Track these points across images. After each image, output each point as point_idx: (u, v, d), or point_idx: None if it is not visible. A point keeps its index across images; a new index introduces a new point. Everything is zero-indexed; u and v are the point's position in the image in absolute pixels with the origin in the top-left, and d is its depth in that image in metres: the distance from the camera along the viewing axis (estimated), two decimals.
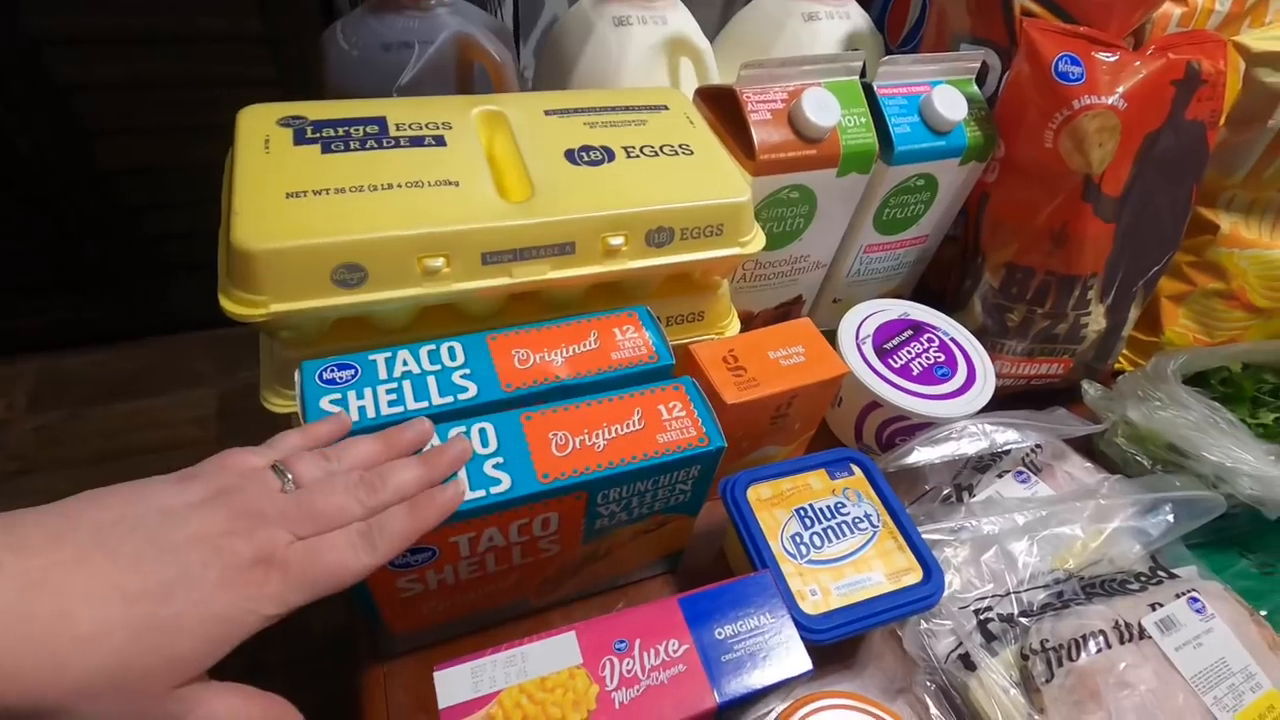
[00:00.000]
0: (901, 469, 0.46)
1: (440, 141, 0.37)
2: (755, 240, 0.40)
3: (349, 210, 0.33)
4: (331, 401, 0.32)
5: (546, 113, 0.41)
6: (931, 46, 0.55)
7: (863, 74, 0.46)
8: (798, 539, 0.39)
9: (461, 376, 0.34)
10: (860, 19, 0.55)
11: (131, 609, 0.22)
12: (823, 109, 0.43)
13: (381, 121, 0.38)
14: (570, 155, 0.38)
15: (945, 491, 0.48)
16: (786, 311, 0.55)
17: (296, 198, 0.33)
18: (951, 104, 0.46)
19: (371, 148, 0.36)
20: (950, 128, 0.47)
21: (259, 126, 0.36)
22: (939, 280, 0.59)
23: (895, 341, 0.50)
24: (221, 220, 0.35)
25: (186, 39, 1.10)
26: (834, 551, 0.39)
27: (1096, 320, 0.52)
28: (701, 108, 0.46)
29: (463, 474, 0.30)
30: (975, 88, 0.49)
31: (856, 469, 0.43)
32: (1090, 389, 0.54)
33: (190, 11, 1.10)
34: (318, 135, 0.36)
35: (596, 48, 0.48)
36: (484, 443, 0.31)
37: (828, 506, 0.41)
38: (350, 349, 0.36)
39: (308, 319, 0.33)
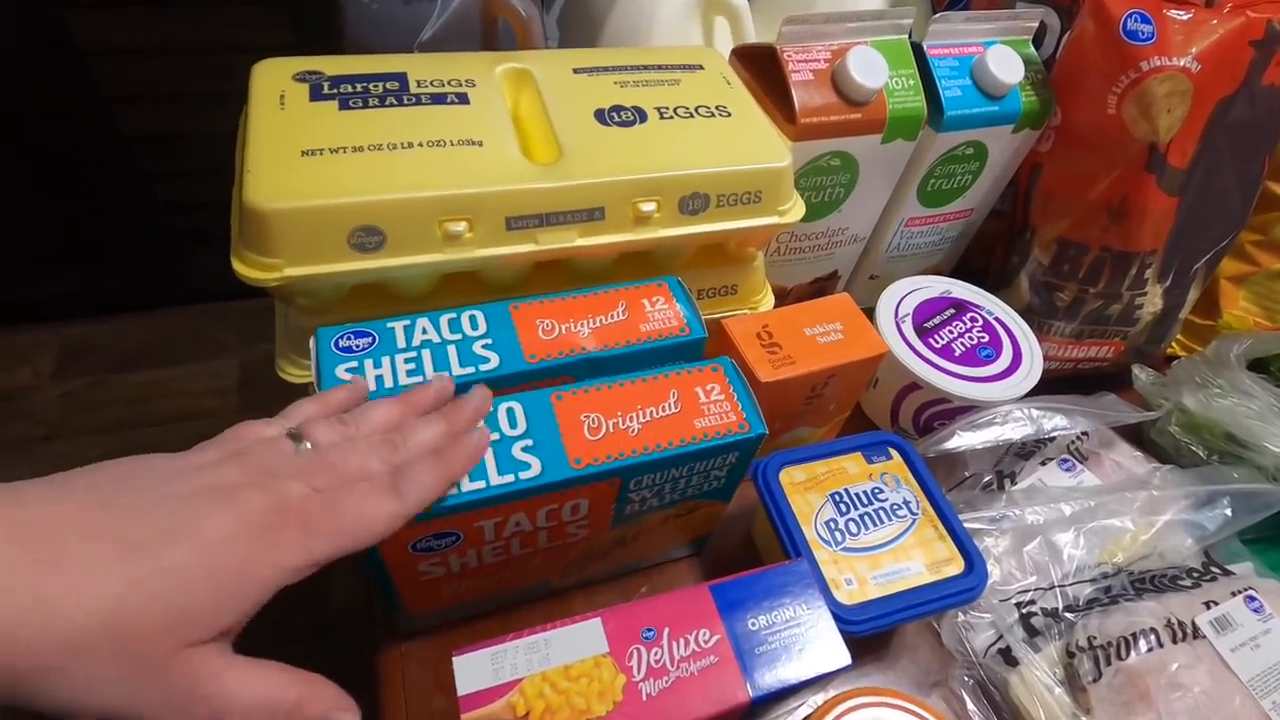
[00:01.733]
0: (941, 454, 0.43)
1: (463, 99, 0.35)
2: (794, 209, 0.38)
3: (367, 170, 0.31)
4: (347, 370, 0.30)
5: (575, 71, 0.39)
6: (984, 4, 0.51)
7: (909, 32, 0.43)
8: (832, 525, 0.37)
9: (483, 346, 0.32)
10: None
11: (129, 558, 0.20)
12: (869, 69, 0.40)
13: (402, 78, 0.36)
14: (600, 115, 0.36)
15: (986, 479, 0.46)
16: (821, 287, 0.52)
17: (312, 156, 0.31)
18: (1007, 65, 0.43)
19: (391, 105, 0.34)
20: (1005, 91, 0.44)
21: (274, 82, 0.34)
22: (982, 256, 0.57)
23: (936, 320, 0.48)
24: (235, 179, 0.33)
25: (205, 2, 1.08)
26: (871, 539, 0.37)
27: (1152, 301, 0.49)
28: (739, 69, 0.43)
29: (484, 425, 0.29)
30: (1032, 49, 0.46)
31: (895, 453, 0.41)
32: (1141, 374, 0.51)
33: None
34: (335, 91, 0.34)
35: (626, 5, 0.46)
36: (512, 423, 0.29)
37: (864, 492, 0.39)
38: (368, 317, 0.34)
39: (323, 284, 0.32)
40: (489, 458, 0.28)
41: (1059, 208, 0.47)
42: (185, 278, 1.39)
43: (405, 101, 0.34)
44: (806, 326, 0.40)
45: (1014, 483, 0.46)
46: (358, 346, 0.31)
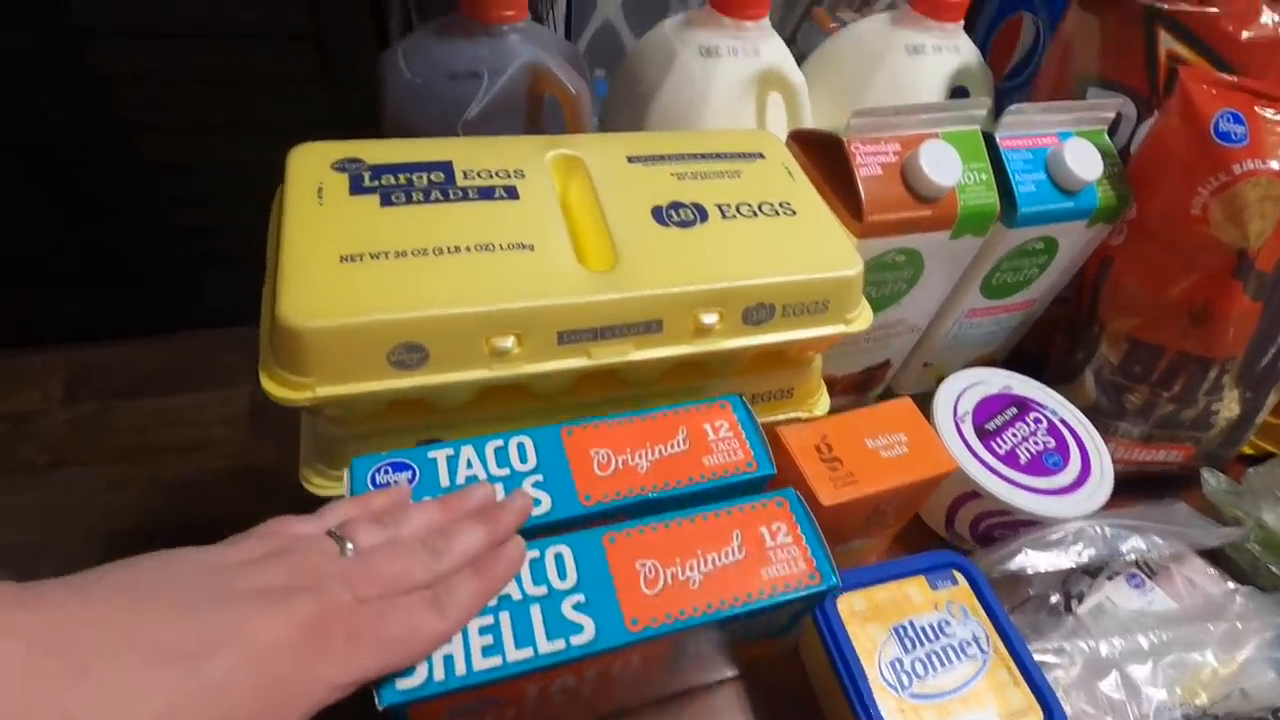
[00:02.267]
0: (1006, 575, 0.40)
1: (512, 193, 0.33)
2: (862, 316, 0.35)
3: (411, 279, 0.28)
4: None
5: (629, 159, 0.36)
6: (1050, 86, 0.49)
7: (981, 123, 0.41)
8: (898, 666, 0.34)
9: (534, 485, 0.29)
10: (970, 53, 0.49)
11: (166, 670, 0.18)
12: (943, 166, 0.37)
13: (447, 167, 0.33)
14: (658, 214, 0.34)
15: (1053, 599, 0.42)
16: (872, 375, 0.50)
17: (351, 262, 0.28)
18: (1085, 161, 0.40)
19: (437, 200, 0.31)
20: (1081, 187, 0.41)
21: (312, 170, 0.32)
22: (1038, 342, 0.54)
23: (998, 421, 0.45)
24: (266, 280, 0.31)
25: (227, 33, 1.07)
26: (940, 684, 0.34)
27: (1229, 407, 0.46)
28: (797, 154, 0.41)
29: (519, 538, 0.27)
30: (1108, 140, 0.43)
31: (960, 577, 0.38)
32: (1212, 479, 0.48)
33: (233, 7, 1.07)
34: (377, 183, 0.32)
35: (679, 80, 0.43)
36: (561, 573, 0.26)
37: (930, 625, 0.36)
38: (403, 428, 0.32)
39: (358, 402, 0.29)
40: (537, 619, 0.25)
41: (1131, 305, 0.44)
42: (198, 302, 1.36)
43: (451, 196, 0.32)
44: (868, 437, 0.37)
45: (1080, 602, 0.42)
46: (397, 484, 0.28)
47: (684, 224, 0.33)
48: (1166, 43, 0.42)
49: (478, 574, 0.25)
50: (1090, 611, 0.42)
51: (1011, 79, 0.55)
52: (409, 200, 0.31)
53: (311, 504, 0.27)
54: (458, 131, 0.39)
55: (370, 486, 0.29)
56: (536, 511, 0.29)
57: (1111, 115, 0.43)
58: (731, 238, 0.33)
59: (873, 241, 0.38)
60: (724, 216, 0.34)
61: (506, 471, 0.30)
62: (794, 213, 0.35)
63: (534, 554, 0.27)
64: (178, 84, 1.21)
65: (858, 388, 0.51)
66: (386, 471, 0.29)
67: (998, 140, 0.40)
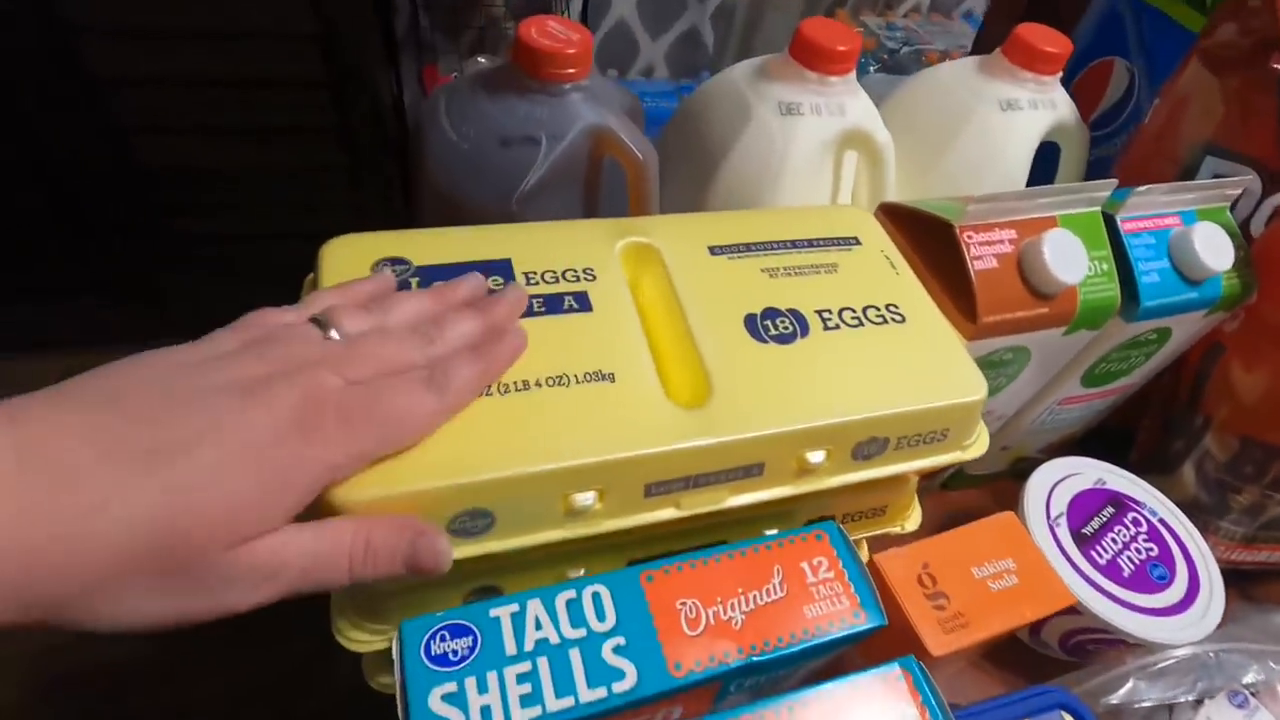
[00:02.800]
0: (1111, 710, 0.36)
1: (584, 303, 0.28)
2: (979, 441, 0.31)
3: (474, 429, 0.24)
4: (445, 698, 0.23)
5: (711, 250, 0.31)
6: (1152, 149, 0.44)
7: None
8: None
9: (615, 650, 0.25)
10: (1066, 107, 0.44)
11: (155, 465, 0.18)
12: (1068, 260, 0.33)
13: (506, 268, 0.28)
14: (752, 325, 0.29)
15: None
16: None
17: None
18: (1215, 249, 0.36)
19: None
20: (1207, 276, 0.36)
21: (351, 272, 0.27)
22: (1121, 418, 0.49)
23: (1096, 524, 0.41)
24: None
25: (228, 35, 1.01)
26: None
27: None
28: (889, 230, 0.36)
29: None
30: (1231, 219, 0.39)
31: (1068, 718, 0.34)
32: None
33: (233, 7, 1.01)
34: None
35: (756, 139, 0.38)
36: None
37: None
38: (455, 576, 0.27)
39: None
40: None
41: (1245, 401, 0.40)
42: (194, 309, 1.30)
43: None
44: (974, 565, 0.33)
45: None
46: (455, 654, 0.24)
47: (783, 339, 0.29)
48: None
49: (477, 356, 0.24)
50: None
51: (1097, 130, 0.50)
52: None
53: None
54: (512, 207, 0.34)
55: (424, 656, 0.24)
56: (621, 687, 0.24)
57: (1238, 193, 0.38)
58: (837, 356, 0.29)
59: (983, 343, 0.34)
60: (826, 327, 0.29)
61: (582, 633, 0.25)
62: (903, 319, 0.31)
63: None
64: (174, 86, 1.14)
65: (929, 473, 0.46)
66: (443, 638, 0.25)
67: (1118, 223, 0.36)
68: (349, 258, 0.28)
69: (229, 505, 0.19)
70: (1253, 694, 0.41)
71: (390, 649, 0.24)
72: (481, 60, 1.08)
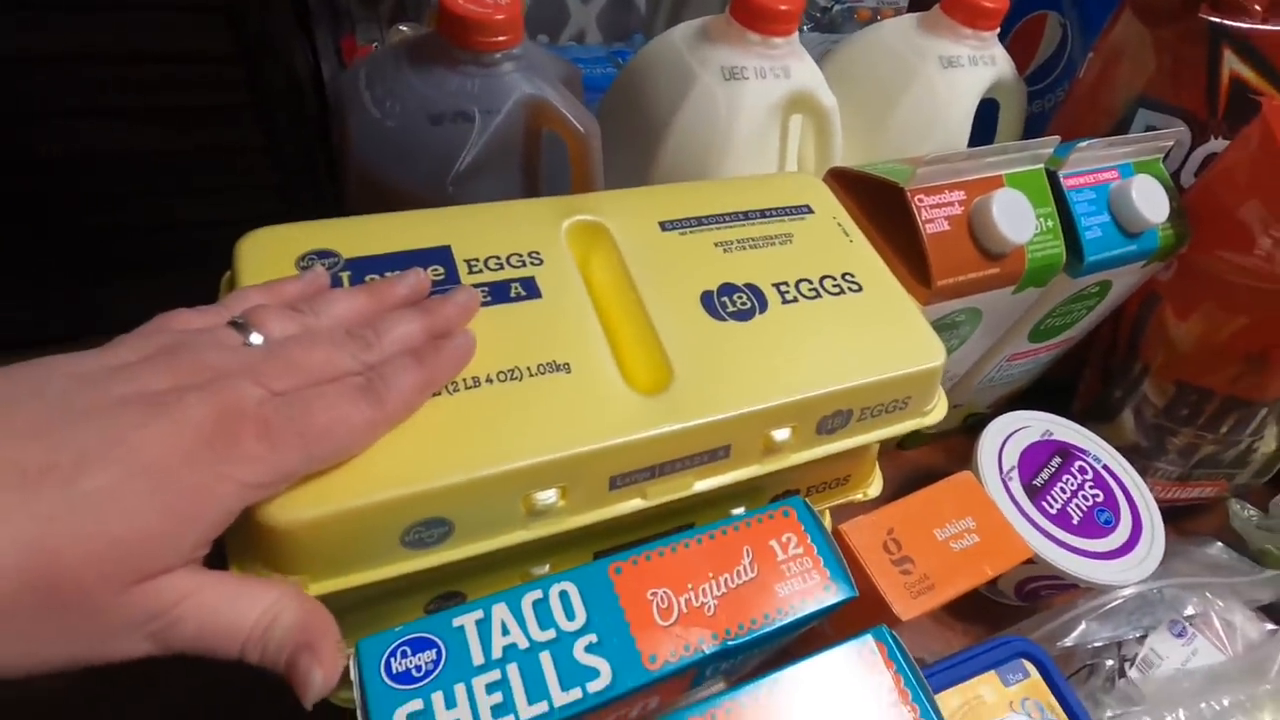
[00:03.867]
0: (1065, 651, 0.38)
1: (531, 289, 0.26)
2: (939, 407, 0.31)
3: (422, 432, 0.22)
4: (411, 717, 0.22)
5: (662, 226, 0.30)
6: (1083, 103, 0.45)
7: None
8: None
9: (587, 649, 0.24)
10: (1005, 63, 0.44)
11: (37, 490, 0.16)
12: (1017, 220, 0.33)
13: (446, 256, 0.26)
14: (709, 302, 0.28)
15: (1108, 664, 0.40)
16: None
17: None
18: (1152, 201, 0.37)
19: None
20: (1146, 229, 0.37)
21: (273, 270, 0.25)
22: (1060, 368, 0.51)
23: (1045, 475, 0.42)
24: None
25: (121, 4, 0.92)
26: None
27: (1268, 443, 0.44)
28: (840, 197, 0.35)
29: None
30: (1165, 171, 0.40)
31: (1031, 668, 0.35)
32: (1242, 511, 0.47)
33: None
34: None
35: (699, 106, 0.37)
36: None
37: None
38: (413, 585, 0.26)
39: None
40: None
41: (1180, 348, 0.42)
42: (113, 307, 1.21)
43: None
44: (936, 527, 0.33)
45: (1133, 665, 0.41)
46: (419, 669, 0.22)
47: (741, 315, 0.28)
48: (1231, 64, 0.38)
49: (419, 362, 0.22)
50: (1138, 667, 0.41)
51: (1031, 85, 0.51)
52: None
53: None
54: (446, 189, 0.31)
55: (384, 675, 0.23)
56: (595, 686, 0.23)
57: (1170, 144, 0.39)
58: (798, 330, 0.28)
59: (936, 305, 0.34)
60: (784, 300, 0.29)
61: (552, 634, 0.24)
62: (859, 288, 0.30)
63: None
64: (62, 64, 1.04)
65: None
66: (405, 654, 0.23)
67: (1061, 180, 0.36)
68: (269, 253, 0.25)
69: (126, 535, 0.17)
70: (1190, 622, 0.44)
71: (348, 667, 0.23)
72: (404, 29, 1.02)
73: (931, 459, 0.52)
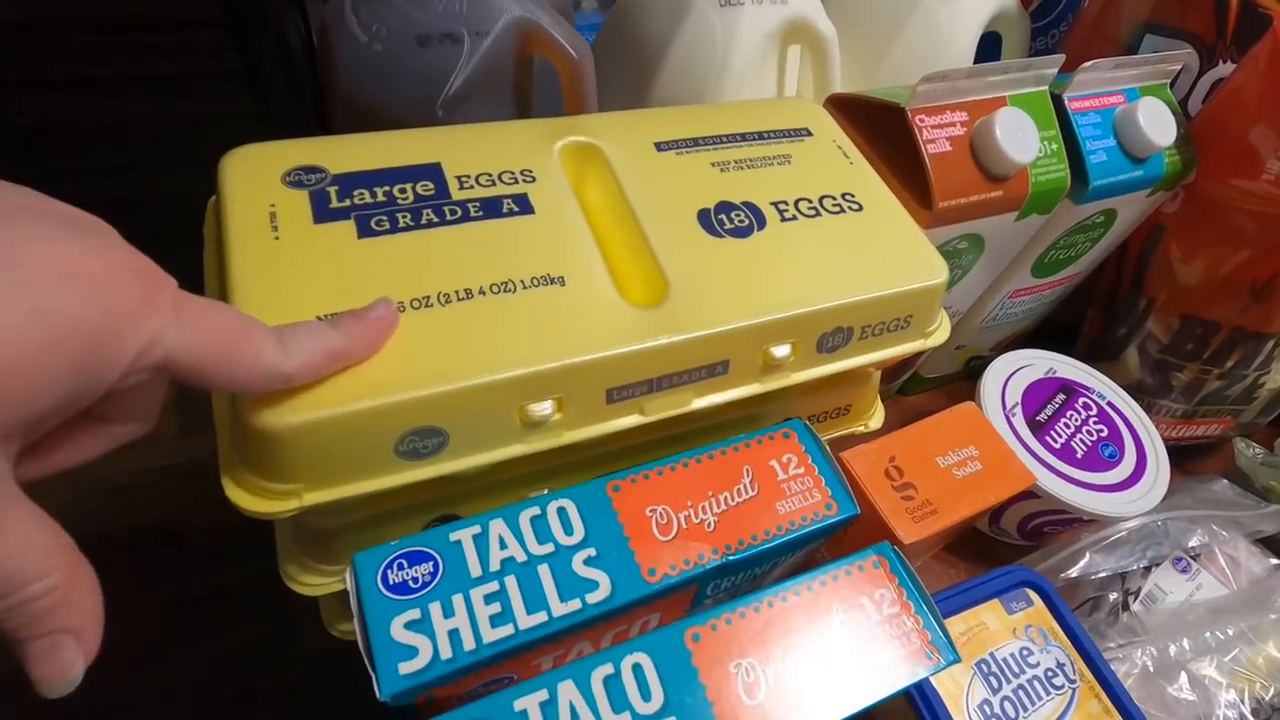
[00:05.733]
0: (1069, 583, 0.38)
1: (524, 205, 0.26)
2: (941, 328, 0.30)
3: (416, 342, 0.21)
4: (409, 626, 0.21)
5: (658, 146, 0.29)
6: (1090, 30, 0.44)
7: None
8: (987, 709, 0.31)
9: (586, 562, 0.24)
10: None
11: None
12: (1020, 140, 0.32)
13: (435, 172, 0.26)
14: (706, 220, 0.27)
15: (1111, 597, 0.40)
16: (905, 363, 0.45)
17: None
18: (1159, 125, 0.36)
19: (431, 223, 0.24)
20: (1152, 154, 0.36)
21: (258, 186, 0.24)
22: (1066, 312, 0.50)
23: (1049, 411, 0.41)
24: None
25: None
26: None
27: (1274, 378, 0.44)
28: (841, 123, 0.34)
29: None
30: (1172, 96, 0.39)
31: (1035, 596, 0.35)
32: (1247, 450, 0.46)
33: None
34: (348, 203, 0.24)
35: (694, 35, 0.36)
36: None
37: (1013, 656, 0.33)
38: (411, 507, 0.26)
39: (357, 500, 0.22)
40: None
41: (1186, 280, 0.41)
42: None
43: (449, 216, 0.25)
44: (938, 455, 0.33)
45: (1137, 598, 0.41)
46: (415, 581, 0.22)
47: (739, 232, 0.27)
48: None
49: (331, 325, 0.20)
50: (1142, 602, 0.41)
51: (1036, 20, 0.49)
52: (395, 227, 0.24)
53: None
54: (436, 113, 0.31)
55: (381, 585, 0.23)
56: (595, 598, 0.23)
57: (1178, 68, 0.38)
58: (797, 246, 0.27)
59: (938, 230, 0.33)
60: (783, 219, 0.28)
61: (550, 548, 0.24)
62: (860, 207, 0.29)
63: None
64: (47, 34, 1.02)
65: (887, 376, 0.47)
66: (401, 566, 0.23)
67: (1065, 103, 0.35)
68: (254, 170, 0.25)
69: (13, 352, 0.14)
70: (1194, 558, 0.43)
71: (345, 590, 0.23)
72: None
73: (935, 404, 0.51)
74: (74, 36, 0.93)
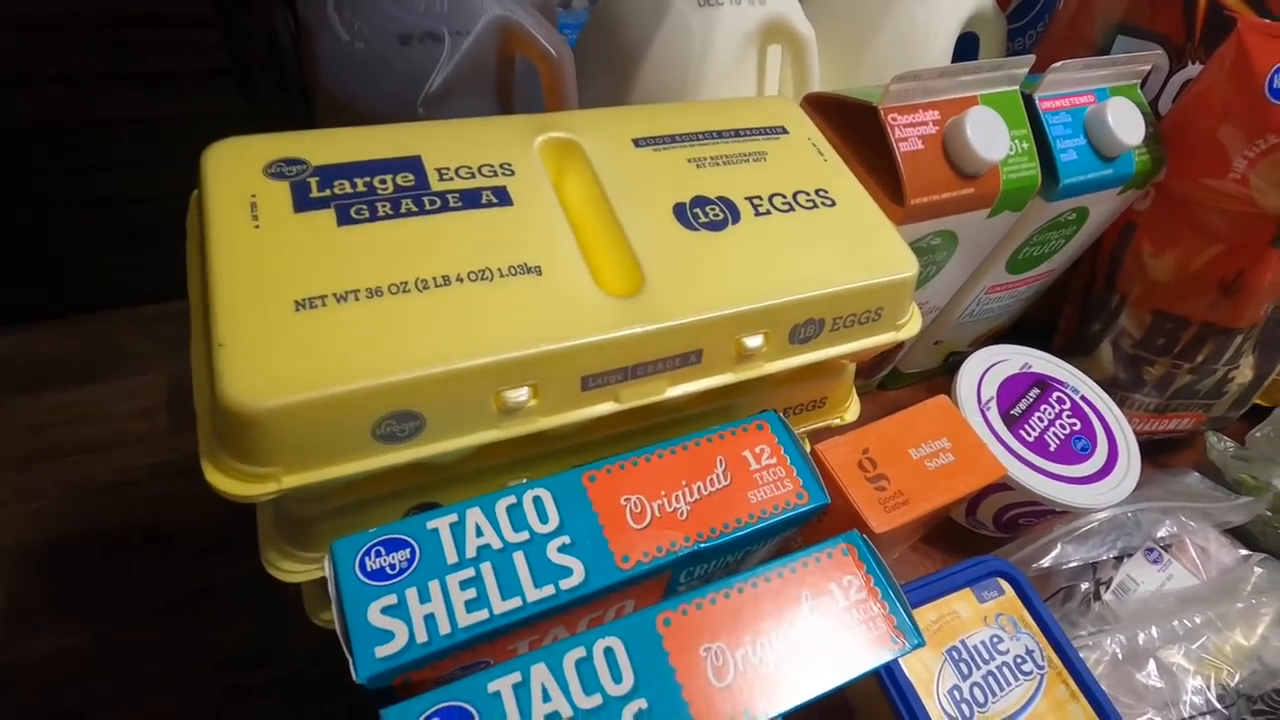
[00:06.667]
0: (1041, 572, 0.38)
1: (503, 197, 0.26)
2: (913, 321, 0.31)
3: (393, 327, 0.22)
4: (385, 611, 0.22)
5: (636, 143, 0.30)
6: (1064, 31, 0.45)
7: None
8: (957, 695, 0.32)
9: (560, 549, 0.24)
10: None
11: None
12: (990, 139, 0.33)
13: (416, 165, 0.26)
14: (681, 214, 0.28)
15: (1083, 587, 0.41)
16: (882, 359, 0.46)
17: (311, 308, 0.22)
18: (1128, 125, 0.37)
19: (410, 213, 0.25)
20: (1121, 152, 0.37)
21: (239, 178, 0.24)
22: (1043, 310, 0.51)
23: (1023, 405, 0.42)
24: (193, 336, 0.24)
25: None
26: (1000, 709, 0.32)
27: (1244, 373, 0.45)
28: (817, 123, 0.35)
29: None
30: (1142, 96, 0.40)
31: (1006, 586, 0.35)
32: (1218, 443, 0.47)
33: None
34: (329, 193, 0.25)
35: (673, 34, 0.37)
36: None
37: (983, 643, 0.33)
38: (388, 494, 0.26)
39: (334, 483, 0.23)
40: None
41: (1157, 276, 0.42)
42: (91, 282, 1.20)
43: (428, 206, 0.25)
44: (911, 447, 0.34)
45: (1109, 588, 0.41)
46: (393, 567, 0.23)
47: (714, 225, 0.28)
48: None
49: None
50: (1114, 592, 0.42)
51: (1012, 22, 0.50)
52: (374, 215, 0.24)
53: None
54: (417, 111, 0.31)
55: (358, 572, 0.23)
56: (568, 584, 0.24)
57: (1147, 69, 0.39)
58: (770, 240, 0.28)
59: (910, 227, 0.34)
60: (757, 213, 0.29)
61: (525, 536, 0.24)
62: (833, 203, 0.30)
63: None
64: (30, 29, 1.02)
65: (866, 371, 0.47)
66: (379, 553, 0.24)
67: (1036, 102, 0.36)
68: (236, 163, 0.25)
69: None
70: (1165, 549, 0.44)
71: (326, 579, 0.23)
72: None
73: (913, 399, 0.51)
74: (61, 33, 0.93)
